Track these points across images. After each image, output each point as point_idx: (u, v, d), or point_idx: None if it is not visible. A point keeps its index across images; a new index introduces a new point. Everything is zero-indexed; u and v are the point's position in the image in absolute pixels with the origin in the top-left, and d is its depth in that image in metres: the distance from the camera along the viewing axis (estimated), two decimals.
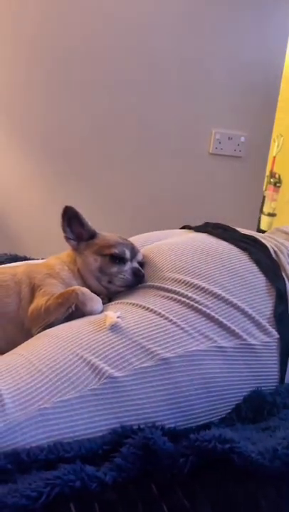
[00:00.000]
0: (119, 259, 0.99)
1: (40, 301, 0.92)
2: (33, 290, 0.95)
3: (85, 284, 0.99)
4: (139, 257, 1.04)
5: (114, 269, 0.99)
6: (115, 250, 0.99)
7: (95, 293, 0.96)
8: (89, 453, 0.68)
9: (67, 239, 1.03)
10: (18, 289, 0.96)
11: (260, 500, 0.59)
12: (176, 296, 0.92)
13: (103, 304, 0.95)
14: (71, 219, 1.01)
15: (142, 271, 1.00)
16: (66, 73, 2.00)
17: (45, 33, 1.93)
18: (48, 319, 0.91)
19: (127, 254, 1.00)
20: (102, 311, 0.93)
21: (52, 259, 1.06)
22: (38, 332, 0.91)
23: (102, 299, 0.96)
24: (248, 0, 2.14)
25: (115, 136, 2.12)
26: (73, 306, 0.91)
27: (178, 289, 0.93)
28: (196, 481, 0.62)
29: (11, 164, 2.03)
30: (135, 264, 1.01)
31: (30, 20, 1.91)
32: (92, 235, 1.03)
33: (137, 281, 0.99)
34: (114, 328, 0.84)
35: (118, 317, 0.86)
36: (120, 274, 0.99)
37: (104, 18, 1.98)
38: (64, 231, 1.02)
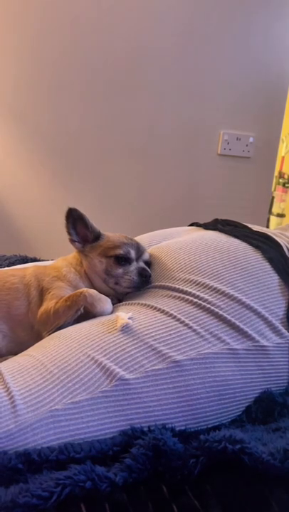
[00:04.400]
0: (124, 260, 0.99)
1: (49, 304, 0.92)
2: (42, 293, 0.95)
3: (93, 286, 0.99)
4: (146, 257, 1.03)
5: (120, 270, 0.98)
6: (120, 251, 0.98)
7: (103, 294, 0.95)
8: (99, 454, 0.68)
9: (72, 241, 1.03)
10: (27, 291, 0.96)
11: (270, 500, 0.59)
12: (187, 297, 0.91)
13: (113, 304, 0.95)
14: (76, 221, 1.01)
15: (149, 271, 1.00)
16: (76, 74, 2.00)
17: (50, 34, 1.94)
18: (57, 322, 0.91)
19: (132, 254, 0.99)
20: (112, 312, 0.93)
21: (59, 262, 1.06)
22: (48, 335, 0.91)
23: (112, 299, 0.96)
24: (255, 1, 2.14)
25: (124, 138, 2.13)
26: (82, 309, 0.91)
27: (189, 290, 0.92)
28: (207, 481, 0.62)
29: (20, 167, 2.04)
30: (141, 264, 1.00)
31: (34, 19, 1.91)
32: (97, 237, 1.02)
33: (144, 281, 0.98)
34: (125, 329, 0.84)
35: (129, 318, 0.85)
36: (126, 276, 0.98)
37: (112, 21, 1.98)
38: (69, 233, 1.02)
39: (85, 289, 0.93)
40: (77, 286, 0.98)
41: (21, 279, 0.98)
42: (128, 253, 0.99)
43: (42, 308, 0.93)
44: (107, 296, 0.96)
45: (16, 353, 0.88)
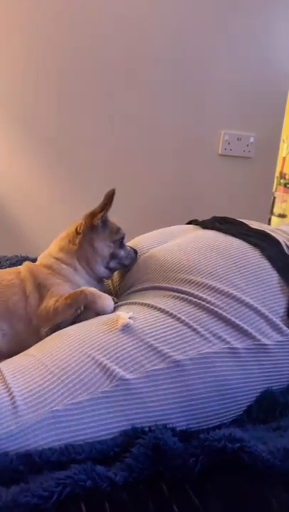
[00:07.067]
0: (122, 242, 1.06)
1: (49, 302, 0.93)
2: (39, 288, 0.96)
3: (89, 272, 1.03)
4: None
5: (122, 252, 1.06)
6: (122, 234, 1.06)
7: (99, 277, 1.04)
8: (100, 455, 0.68)
9: (101, 226, 1.04)
10: (24, 285, 0.97)
11: (270, 499, 0.59)
12: (187, 297, 0.91)
13: (114, 303, 0.96)
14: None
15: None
16: (77, 76, 2.01)
17: (52, 40, 1.95)
18: (56, 320, 0.92)
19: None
20: (113, 310, 0.93)
21: (44, 259, 1.04)
22: (46, 331, 0.92)
23: (113, 299, 0.97)
24: (255, 1, 2.15)
25: (125, 138, 2.13)
26: (82, 307, 0.93)
27: (189, 290, 0.93)
28: (207, 480, 0.62)
29: (22, 169, 2.04)
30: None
31: (37, 24, 1.92)
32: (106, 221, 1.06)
33: (136, 256, 1.09)
34: (126, 329, 0.84)
35: (130, 318, 0.86)
36: (128, 255, 1.08)
37: (112, 21, 1.99)
38: (104, 217, 1.04)
39: (84, 288, 0.94)
40: (72, 280, 1.00)
41: (17, 275, 0.99)
42: (124, 235, 1.06)
43: (42, 306, 0.94)
44: (99, 281, 1.03)
45: (16, 353, 0.89)
